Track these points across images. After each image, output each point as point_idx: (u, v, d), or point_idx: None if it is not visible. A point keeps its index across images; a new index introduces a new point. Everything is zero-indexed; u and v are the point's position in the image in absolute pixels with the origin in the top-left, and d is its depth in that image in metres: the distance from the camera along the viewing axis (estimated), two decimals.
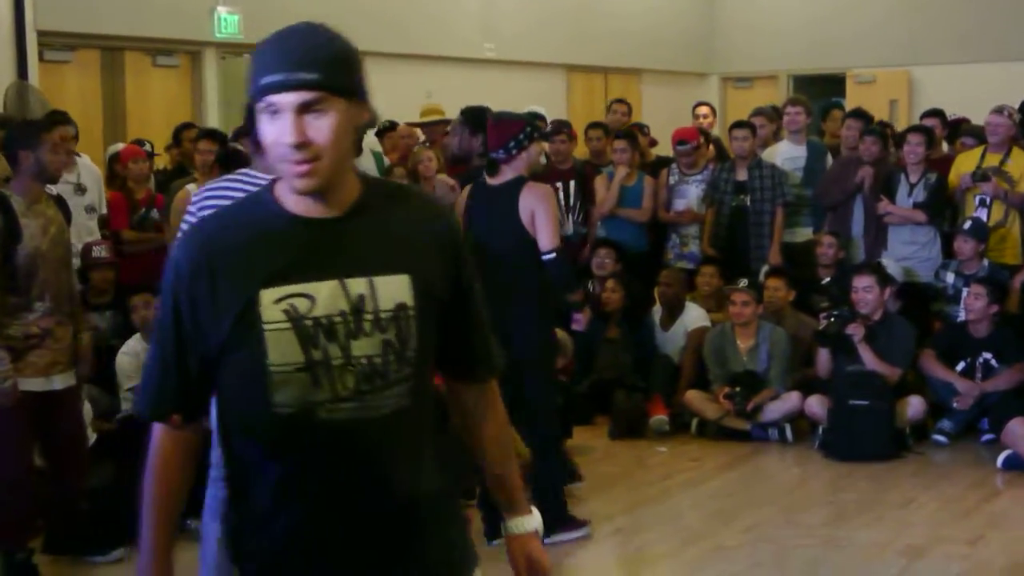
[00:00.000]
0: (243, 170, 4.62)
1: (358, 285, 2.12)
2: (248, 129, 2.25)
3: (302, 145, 2.01)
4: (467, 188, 5.97)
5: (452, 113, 9.49)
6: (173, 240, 5.41)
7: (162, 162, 9.37)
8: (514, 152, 5.49)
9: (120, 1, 9.85)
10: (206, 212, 4.45)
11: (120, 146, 8.66)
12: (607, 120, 10.67)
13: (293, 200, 2.12)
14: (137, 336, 6.37)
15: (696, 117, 10.81)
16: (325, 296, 2.10)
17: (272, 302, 2.08)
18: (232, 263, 2.12)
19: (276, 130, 2.03)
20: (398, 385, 2.16)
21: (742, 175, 8.69)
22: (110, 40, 10.18)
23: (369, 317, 2.12)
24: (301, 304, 2.09)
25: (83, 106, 9.01)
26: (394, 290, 2.15)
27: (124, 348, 6.34)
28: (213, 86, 10.84)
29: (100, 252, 6.97)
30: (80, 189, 7.45)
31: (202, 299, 2.11)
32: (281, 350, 2.07)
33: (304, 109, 2.02)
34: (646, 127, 10.65)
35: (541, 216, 5.41)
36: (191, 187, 7.04)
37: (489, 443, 2.42)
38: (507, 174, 5.51)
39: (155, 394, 2.23)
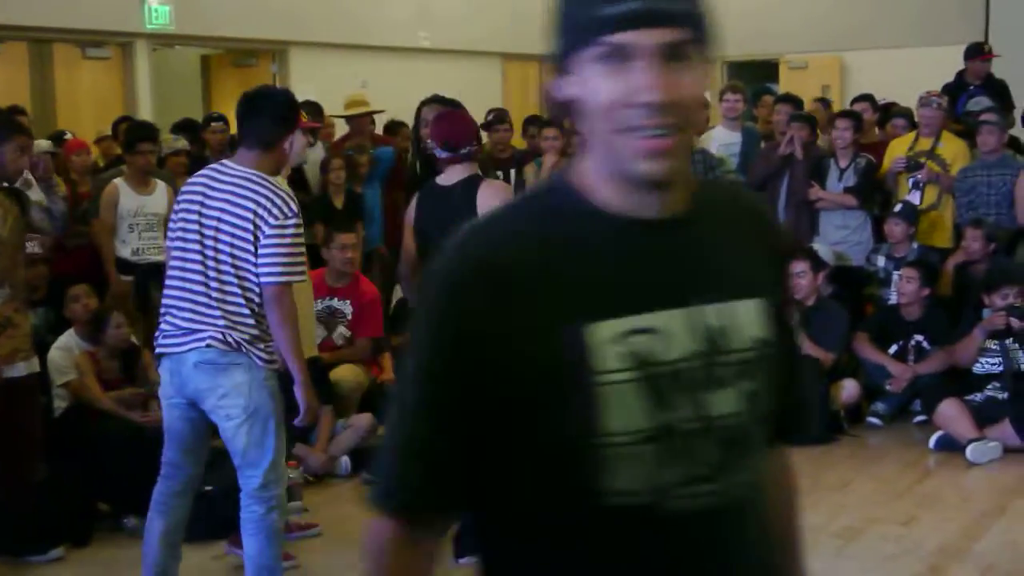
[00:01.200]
0: (223, 161, 4.58)
1: (710, 315, 1.50)
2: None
3: (666, 106, 1.40)
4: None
5: (380, 103, 9.49)
6: (104, 236, 5.36)
7: (95, 153, 9.27)
8: (472, 152, 5.33)
9: None
10: (188, 212, 4.37)
11: (46, 143, 8.53)
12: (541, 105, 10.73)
13: (614, 193, 1.48)
14: (70, 331, 6.28)
15: None
16: (677, 331, 1.47)
17: (608, 341, 1.43)
18: (537, 285, 1.45)
19: (623, 85, 1.40)
20: (758, 453, 1.57)
21: None
22: (39, 32, 10.05)
23: (725, 360, 1.50)
24: (648, 344, 1.44)
25: (11, 99, 8.86)
26: (748, 320, 1.54)
27: (57, 343, 6.20)
28: (144, 77, 10.72)
29: (32, 247, 6.86)
30: (27, 184, 7.32)
31: (492, 338, 1.44)
32: (622, 412, 1.42)
33: (666, 55, 1.40)
34: None
35: None
36: (118, 181, 7.02)
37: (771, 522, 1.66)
38: (459, 172, 5.15)
39: (405, 477, 1.54)
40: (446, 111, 5.78)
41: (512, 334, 1.44)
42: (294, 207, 4.33)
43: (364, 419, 6.74)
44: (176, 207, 4.49)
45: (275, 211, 4.25)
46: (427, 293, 1.53)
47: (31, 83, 10.18)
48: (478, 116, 9.58)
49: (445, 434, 1.49)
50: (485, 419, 1.47)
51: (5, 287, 4.96)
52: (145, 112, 10.32)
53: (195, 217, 4.35)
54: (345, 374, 6.93)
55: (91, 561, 5.34)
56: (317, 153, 8.78)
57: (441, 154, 5.18)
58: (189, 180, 4.63)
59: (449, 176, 5.13)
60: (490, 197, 4.87)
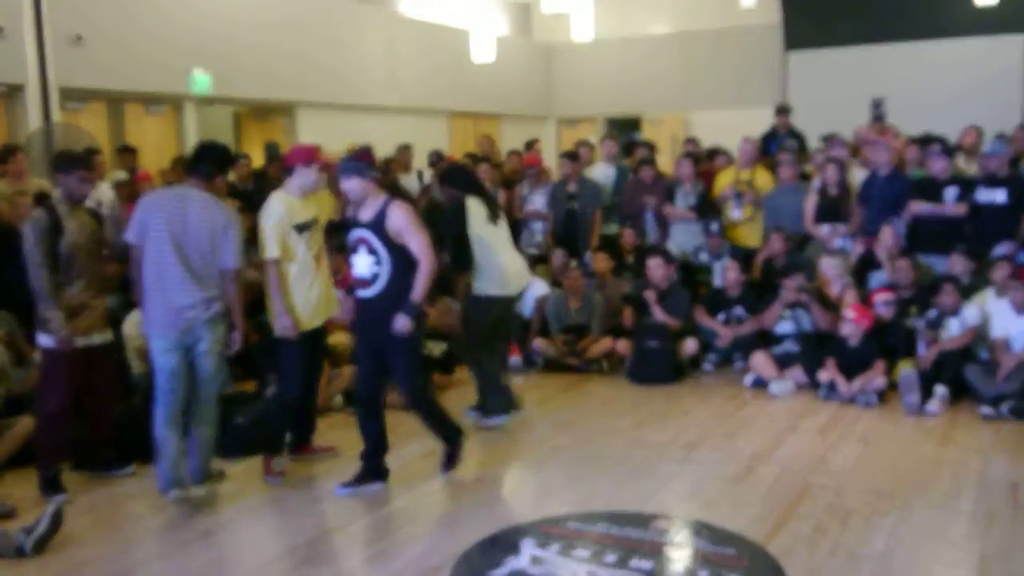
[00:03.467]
0: (182, 188, 4.81)
1: None
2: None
3: None
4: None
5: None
6: None
7: (158, 182, 9.09)
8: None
9: (121, 64, 9.48)
10: (172, 222, 4.55)
11: (122, 174, 8.38)
12: (479, 149, 10.68)
13: None
14: (138, 310, 6.15)
15: (530, 149, 10.88)
16: None
17: None
18: None
19: None
20: None
21: (572, 188, 8.75)
22: (115, 94, 9.81)
23: None
24: None
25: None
26: None
27: (129, 317, 6.12)
28: (192, 128, 10.52)
29: (108, 251, 6.68)
30: (98, 204, 7.13)
31: None
32: None
33: None
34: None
35: None
36: None
37: None
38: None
39: None
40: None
41: None
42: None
43: (350, 370, 6.68)
44: (153, 218, 4.58)
45: (234, 220, 4.67)
46: None
47: (109, 131, 9.91)
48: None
49: None
50: None
51: (83, 279, 4.84)
52: None
53: (180, 226, 4.57)
54: (339, 339, 6.85)
55: (154, 475, 5.23)
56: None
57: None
58: (155, 198, 4.74)
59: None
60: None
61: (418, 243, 4.67)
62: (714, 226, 8.17)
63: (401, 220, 4.67)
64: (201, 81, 10.29)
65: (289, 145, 11.19)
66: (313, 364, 5.34)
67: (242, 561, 4.23)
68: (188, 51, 10.15)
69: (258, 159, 10.37)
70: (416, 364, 4.91)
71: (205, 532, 4.44)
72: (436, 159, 9.71)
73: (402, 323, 4.67)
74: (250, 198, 8.46)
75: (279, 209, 4.90)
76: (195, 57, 10.22)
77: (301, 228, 4.97)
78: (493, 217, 5.88)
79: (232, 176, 9.07)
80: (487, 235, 5.81)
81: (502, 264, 5.86)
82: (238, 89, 10.84)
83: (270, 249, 4.86)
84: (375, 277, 4.72)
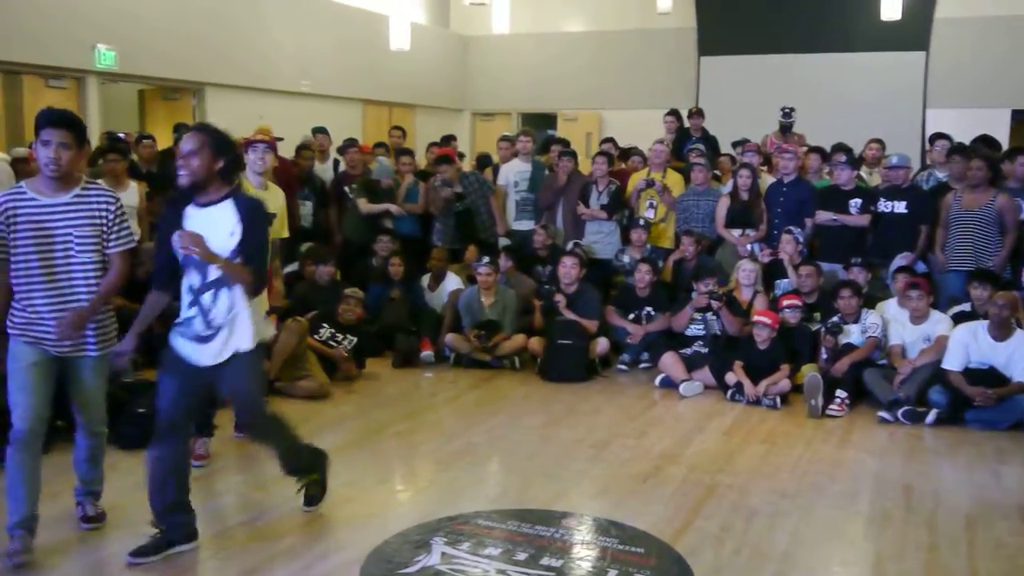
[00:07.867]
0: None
1: None
2: None
3: None
4: None
5: (278, 133, 9.16)
6: None
7: None
8: None
9: (20, 34, 9.09)
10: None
11: (22, 150, 8.00)
12: (389, 142, 10.57)
13: None
14: None
15: (447, 144, 10.87)
16: None
17: None
18: None
19: None
20: None
21: (457, 188, 8.76)
22: (12, 65, 9.39)
23: None
24: None
25: None
26: None
27: None
28: (94, 104, 10.15)
29: None
30: None
31: None
32: None
33: None
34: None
35: None
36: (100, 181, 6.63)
37: None
38: None
39: None
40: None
41: None
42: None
43: None
44: None
45: None
46: None
47: (4, 105, 9.49)
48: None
49: None
50: None
51: None
52: (93, 131, 9.77)
53: None
54: None
55: (48, 463, 5.03)
56: None
57: None
58: None
59: None
60: None
61: None
62: (642, 220, 8.29)
63: None
64: (106, 56, 9.93)
65: None
66: None
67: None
68: (93, 25, 9.79)
69: (165, 140, 10.06)
70: None
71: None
72: (347, 146, 9.55)
73: None
74: (156, 180, 8.23)
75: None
76: (100, 32, 9.86)
77: None
78: None
79: (135, 157, 8.80)
80: None
81: None
82: (144, 67, 10.50)
83: None
84: None
